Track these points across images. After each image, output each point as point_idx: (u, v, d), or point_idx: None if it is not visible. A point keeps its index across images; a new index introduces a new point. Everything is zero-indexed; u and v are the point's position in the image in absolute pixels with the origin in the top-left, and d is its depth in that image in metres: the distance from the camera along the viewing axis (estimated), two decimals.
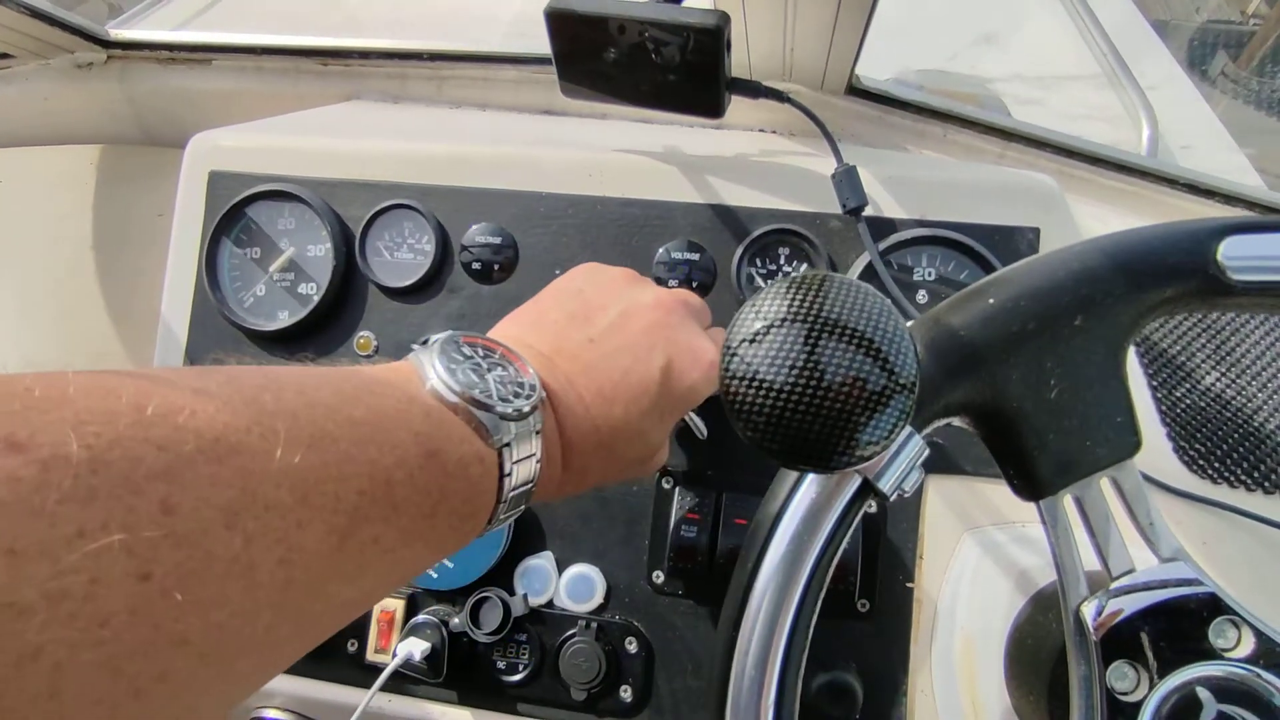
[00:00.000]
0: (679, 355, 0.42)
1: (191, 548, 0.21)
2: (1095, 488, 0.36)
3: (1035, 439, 0.34)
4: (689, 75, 0.55)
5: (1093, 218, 0.70)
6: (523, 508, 0.37)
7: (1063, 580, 0.36)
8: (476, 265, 0.60)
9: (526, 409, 0.35)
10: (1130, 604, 0.35)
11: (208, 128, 0.72)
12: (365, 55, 0.85)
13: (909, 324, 0.35)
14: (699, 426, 0.56)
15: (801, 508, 0.33)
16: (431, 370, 0.33)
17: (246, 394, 0.26)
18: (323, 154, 0.63)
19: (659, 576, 0.56)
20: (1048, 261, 0.34)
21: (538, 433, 0.36)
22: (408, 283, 0.60)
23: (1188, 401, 0.58)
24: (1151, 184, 0.76)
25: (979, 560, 0.53)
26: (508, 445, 0.34)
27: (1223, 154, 0.96)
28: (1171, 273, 0.33)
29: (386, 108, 0.85)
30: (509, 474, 0.34)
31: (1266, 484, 0.54)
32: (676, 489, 0.57)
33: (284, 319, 0.61)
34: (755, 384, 0.29)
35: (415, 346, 0.36)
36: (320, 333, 0.61)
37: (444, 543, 0.32)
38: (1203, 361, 0.60)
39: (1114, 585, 0.36)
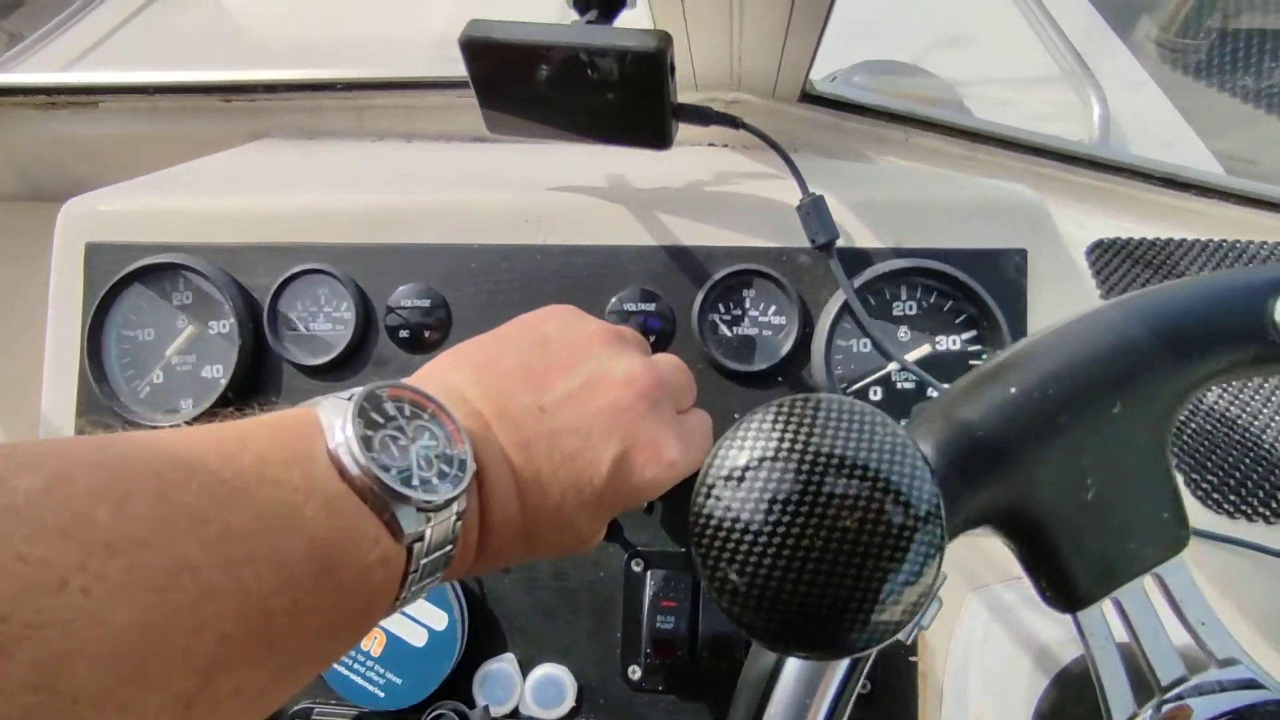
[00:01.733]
0: (637, 448, 0.36)
1: None
2: (1139, 588, 0.31)
3: (1071, 545, 0.29)
4: (630, 103, 0.49)
5: (1073, 223, 0.65)
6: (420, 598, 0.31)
7: (1105, 696, 0.31)
8: (404, 333, 0.53)
9: (450, 496, 0.29)
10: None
11: (101, 177, 0.64)
12: (272, 89, 0.77)
13: (917, 418, 0.29)
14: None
15: (795, 669, 0.27)
16: (341, 433, 0.27)
17: (74, 510, 0.19)
18: (219, 215, 0.55)
19: (635, 672, 0.50)
20: (1073, 334, 0.28)
21: (458, 519, 0.30)
22: (327, 358, 0.53)
23: (1193, 426, 0.53)
24: (1125, 180, 0.72)
25: (988, 627, 0.48)
26: (420, 539, 0.29)
27: (1183, 144, 0.92)
28: (1223, 339, 0.28)
29: (299, 146, 0.77)
30: (416, 570, 0.29)
31: None
32: (648, 572, 0.50)
33: (187, 409, 0.53)
34: (738, 530, 0.24)
35: (325, 396, 0.30)
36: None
37: (324, 663, 0.27)
38: None
39: (1165, 696, 0.31)
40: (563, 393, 0.36)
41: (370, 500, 0.28)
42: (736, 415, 0.51)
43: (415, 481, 0.29)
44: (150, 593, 0.19)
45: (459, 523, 0.31)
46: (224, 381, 0.53)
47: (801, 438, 0.23)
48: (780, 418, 0.24)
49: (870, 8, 1.09)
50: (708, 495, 0.25)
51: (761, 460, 0.24)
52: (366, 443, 0.28)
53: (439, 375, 0.36)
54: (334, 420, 0.28)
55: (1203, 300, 0.28)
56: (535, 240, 0.53)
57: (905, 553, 0.24)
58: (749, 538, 0.24)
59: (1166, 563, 0.30)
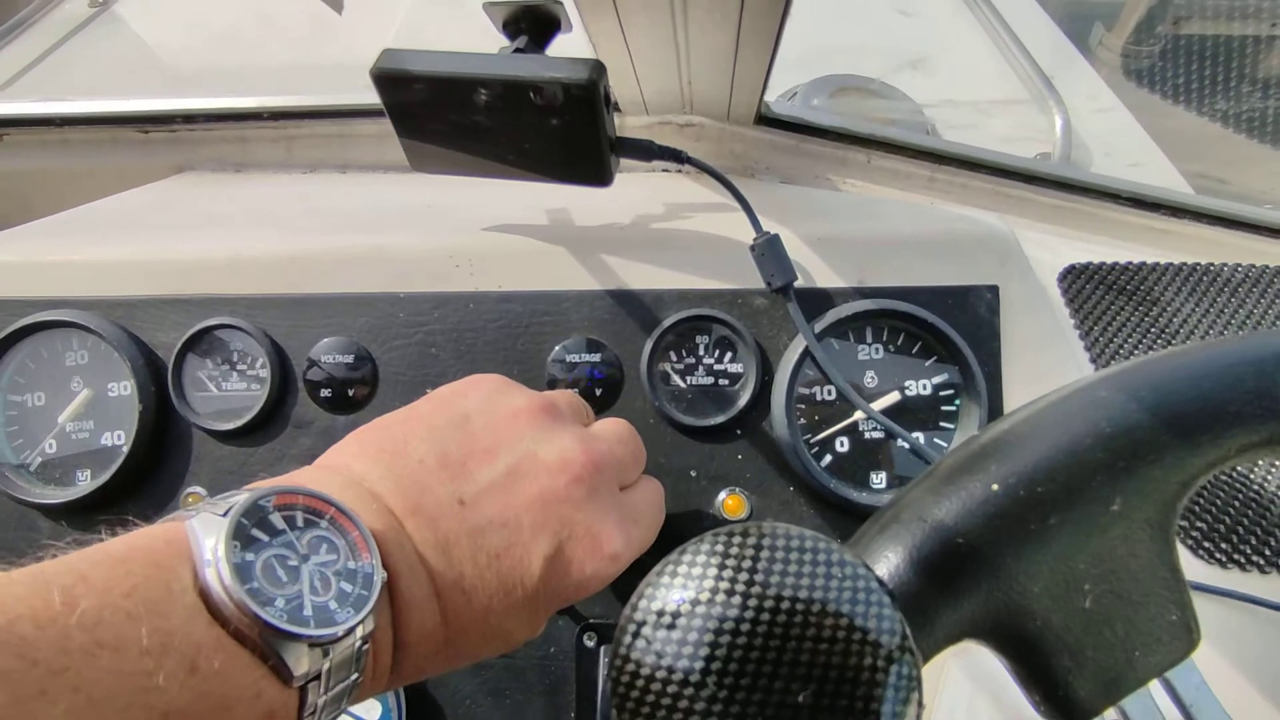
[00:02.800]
0: (573, 541, 0.32)
1: None
2: (1145, 695, 0.27)
3: (1069, 658, 0.25)
4: (564, 139, 0.44)
5: (1041, 247, 0.62)
6: None
7: None
8: (326, 392, 0.48)
9: (352, 624, 0.25)
10: None
11: (10, 215, 0.58)
12: (192, 119, 0.71)
13: (885, 516, 0.25)
14: None
15: None
16: (213, 559, 0.23)
17: None
18: (115, 265, 0.50)
19: None
20: (1063, 418, 0.25)
21: (364, 643, 0.26)
22: (240, 422, 0.47)
23: None
24: (1092, 200, 0.70)
25: (973, 699, 0.44)
26: (316, 678, 0.25)
27: (1150, 161, 0.90)
28: (1234, 420, 0.24)
29: (223, 180, 0.71)
30: (312, 712, 0.25)
31: None
32: (602, 647, 0.46)
33: (84, 483, 0.48)
34: (675, 681, 0.20)
35: (200, 507, 0.26)
36: (134, 494, 0.48)
37: None
38: None
39: None
40: (485, 483, 0.32)
41: (250, 643, 0.23)
42: (693, 474, 0.47)
43: (307, 612, 0.25)
44: None
45: (365, 646, 0.27)
46: (126, 449, 0.47)
47: (745, 574, 0.20)
48: (720, 550, 0.20)
49: (832, 22, 1.07)
50: (635, 636, 0.20)
51: (697, 600, 0.20)
52: (244, 571, 0.24)
53: (343, 466, 0.32)
54: (205, 543, 0.24)
55: (1210, 375, 0.24)
56: (467, 287, 0.48)
57: (880, 701, 0.20)
58: (689, 691, 0.20)
59: (1175, 667, 0.26)
